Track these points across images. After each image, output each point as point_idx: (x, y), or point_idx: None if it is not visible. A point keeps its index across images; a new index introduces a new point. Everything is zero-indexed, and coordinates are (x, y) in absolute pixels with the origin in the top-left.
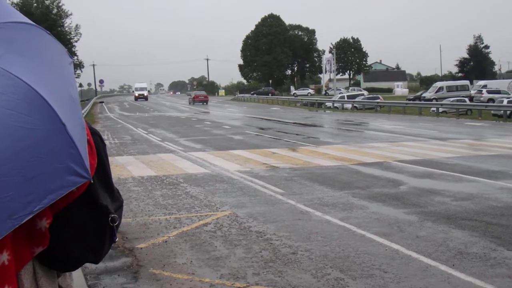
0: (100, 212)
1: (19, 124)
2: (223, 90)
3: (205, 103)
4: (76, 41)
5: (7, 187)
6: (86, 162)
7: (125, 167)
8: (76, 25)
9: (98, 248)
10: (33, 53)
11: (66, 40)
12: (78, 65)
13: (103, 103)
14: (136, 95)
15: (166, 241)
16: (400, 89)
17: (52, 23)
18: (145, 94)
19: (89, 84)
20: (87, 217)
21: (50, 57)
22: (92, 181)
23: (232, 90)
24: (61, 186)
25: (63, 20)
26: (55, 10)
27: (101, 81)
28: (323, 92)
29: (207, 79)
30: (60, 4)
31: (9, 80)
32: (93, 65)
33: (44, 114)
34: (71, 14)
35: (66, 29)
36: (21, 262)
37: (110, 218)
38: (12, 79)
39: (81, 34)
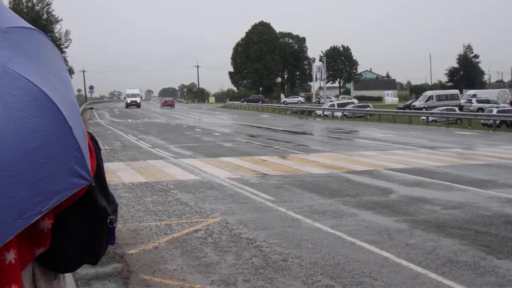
0: (98, 213)
1: (30, 126)
2: (213, 97)
3: (172, 107)
4: (66, 47)
5: (19, 187)
6: (88, 165)
7: (115, 173)
8: (66, 31)
9: (96, 249)
10: (38, 58)
11: (56, 46)
12: (68, 71)
13: (93, 109)
14: (128, 102)
15: (156, 247)
16: (390, 97)
17: (42, 29)
18: (138, 101)
19: (79, 90)
20: (85, 218)
21: (52, 62)
22: (93, 184)
23: (222, 97)
24: (66, 187)
25: (53, 26)
26: (45, 16)
27: (91, 87)
28: (314, 100)
29: (197, 86)
30: (50, 10)
31: (20, 82)
32: (83, 71)
33: (53, 116)
34: (61, 20)
35: (56, 35)
36: (23, 263)
37: (108, 220)
38: (23, 82)
39: (71, 40)
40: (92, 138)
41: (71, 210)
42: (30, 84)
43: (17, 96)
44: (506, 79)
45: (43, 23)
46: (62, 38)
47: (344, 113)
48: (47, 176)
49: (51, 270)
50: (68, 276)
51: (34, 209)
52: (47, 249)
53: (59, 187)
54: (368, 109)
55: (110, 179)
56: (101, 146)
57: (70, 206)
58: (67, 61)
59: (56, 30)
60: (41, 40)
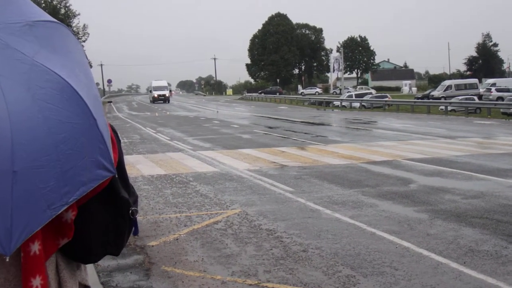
0: (121, 205)
1: (58, 118)
2: (231, 89)
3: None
4: (84, 41)
5: (47, 178)
6: (112, 157)
7: (134, 166)
8: (84, 25)
9: (118, 240)
10: (63, 51)
11: None
12: None
13: (112, 103)
14: (155, 96)
15: (177, 239)
16: (408, 87)
17: None
18: (167, 95)
19: (97, 84)
20: (108, 210)
21: (76, 56)
22: (116, 176)
23: (240, 89)
24: (91, 179)
25: (71, 20)
26: (63, 10)
27: (109, 81)
28: (332, 91)
29: (214, 79)
30: (68, 5)
31: (47, 75)
32: (101, 65)
33: (79, 109)
34: (78, 14)
35: (74, 29)
36: (47, 254)
37: (130, 211)
38: (50, 74)
39: (88, 34)
40: (113, 130)
41: (94, 201)
42: (57, 77)
43: (44, 88)
44: None
45: (60, 17)
46: (80, 32)
47: (362, 103)
48: (73, 167)
49: (75, 261)
50: (90, 268)
51: (61, 200)
52: (72, 240)
53: (84, 178)
54: (386, 99)
55: (129, 171)
56: (120, 139)
57: (93, 198)
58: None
59: (74, 25)
60: (66, 34)
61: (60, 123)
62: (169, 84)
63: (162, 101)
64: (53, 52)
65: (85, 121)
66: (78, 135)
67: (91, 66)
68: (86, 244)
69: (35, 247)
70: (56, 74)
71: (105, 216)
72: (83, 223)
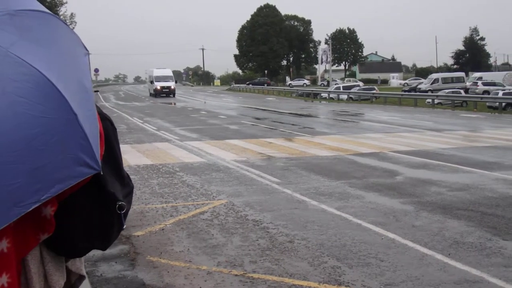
0: (107, 199)
1: (30, 112)
2: (219, 80)
3: None
4: None
5: (15, 175)
6: (97, 153)
7: None
8: (71, 14)
9: (105, 235)
10: (49, 42)
11: None
12: None
13: (98, 92)
14: (158, 88)
15: (163, 229)
16: (396, 80)
17: None
18: (172, 87)
19: None
20: (94, 204)
21: (65, 47)
22: (102, 173)
23: (228, 80)
24: (70, 176)
25: (58, 9)
26: None
27: (96, 70)
28: (320, 83)
29: (202, 69)
30: None
31: (22, 67)
32: (88, 54)
33: (56, 103)
34: (66, 3)
35: (61, 17)
36: (26, 248)
37: (117, 205)
38: (26, 67)
39: (76, 22)
40: (105, 119)
41: (79, 195)
42: (33, 70)
43: (18, 82)
44: None
45: (47, 5)
46: (67, 21)
47: (350, 95)
48: (47, 164)
49: (60, 255)
50: None
51: (32, 197)
52: (54, 234)
53: (61, 175)
54: (374, 91)
55: None
56: (115, 126)
57: (77, 192)
58: None
59: (61, 13)
60: (56, 25)
61: (32, 118)
62: None
63: (165, 95)
64: (36, 43)
65: (62, 116)
66: (53, 131)
67: None
68: (70, 239)
69: (3, 245)
70: (32, 66)
71: (89, 210)
72: (66, 217)
